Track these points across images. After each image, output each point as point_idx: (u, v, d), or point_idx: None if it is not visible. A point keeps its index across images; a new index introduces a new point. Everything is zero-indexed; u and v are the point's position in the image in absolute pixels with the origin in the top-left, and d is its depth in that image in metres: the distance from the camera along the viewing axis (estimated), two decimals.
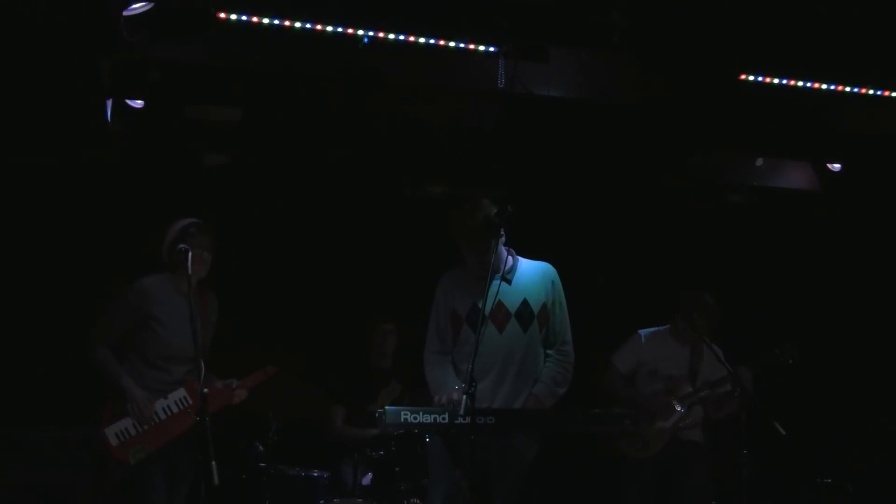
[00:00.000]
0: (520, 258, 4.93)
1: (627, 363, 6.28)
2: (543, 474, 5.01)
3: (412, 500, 6.03)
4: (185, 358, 5.22)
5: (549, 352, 4.91)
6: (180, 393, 5.24)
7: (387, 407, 4.45)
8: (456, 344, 4.85)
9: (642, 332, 6.36)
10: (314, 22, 5.59)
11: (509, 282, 4.78)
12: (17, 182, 6.69)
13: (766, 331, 7.55)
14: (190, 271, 4.98)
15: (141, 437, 5.12)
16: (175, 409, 5.20)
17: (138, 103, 6.44)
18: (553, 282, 4.92)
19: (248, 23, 5.52)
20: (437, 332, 4.89)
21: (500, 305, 4.76)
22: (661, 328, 6.38)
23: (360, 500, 6.26)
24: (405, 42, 5.76)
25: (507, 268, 4.84)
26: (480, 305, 4.63)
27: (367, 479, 6.45)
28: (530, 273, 4.88)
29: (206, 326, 5.35)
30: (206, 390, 4.56)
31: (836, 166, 7.73)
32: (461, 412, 4.26)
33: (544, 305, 4.86)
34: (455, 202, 4.97)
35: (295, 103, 6.66)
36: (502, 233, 4.78)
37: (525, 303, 4.82)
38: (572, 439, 6.23)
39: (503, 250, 4.83)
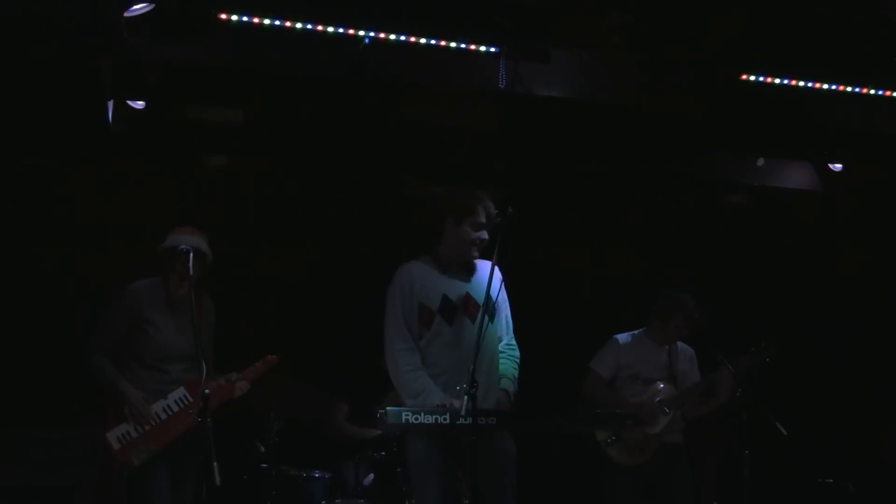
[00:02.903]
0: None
1: (608, 368, 6.17)
2: (541, 476, 5.00)
3: (413, 500, 6.02)
4: (181, 358, 5.23)
5: (499, 346, 4.92)
6: (180, 392, 5.24)
7: (388, 408, 4.43)
8: (423, 338, 4.80)
9: (619, 336, 6.27)
10: (315, 23, 5.60)
11: (472, 274, 4.81)
12: (17, 182, 6.69)
13: (767, 330, 7.56)
14: (191, 272, 4.99)
15: (143, 439, 5.13)
16: (175, 408, 5.21)
17: (139, 104, 6.44)
18: (501, 279, 4.88)
19: (249, 24, 5.53)
20: (405, 327, 4.79)
21: (468, 297, 4.77)
22: (637, 331, 6.29)
23: (361, 500, 6.26)
24: (406, 43, 5.76)
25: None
26: (450, 297, 4.71)
27: (368, 479, 6.45)
28: (484, 269, 4.88)
29: (203, 327, 5.34)
30: (207, 391, 4.57)
31: (837, 166, 7.73)
32: (463, 413, 4.25)
33: (497, 300, 4.87)
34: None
35: (296, 104, 6.66)
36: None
37: (487, 295, 4.82)
38: (566, 440, 6.25)
39: None
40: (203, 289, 5.45)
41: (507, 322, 4.98)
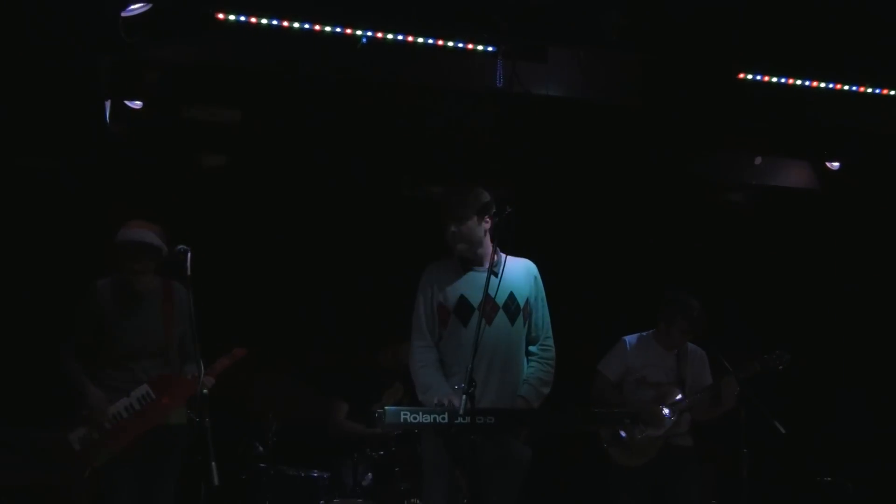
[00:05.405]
0: (502, 254, 4.87)
1: (616, 371, 6.15)
2: (539, 478, 4.99)
3: (412, 500, 6.03)
4: (148, 355, 5.14)
5: (531, 348, 4.91)
6: (142, 390, 5.12)
7: (386, 407, 4.44)
8: (442, 337, 4.83)
9: (627, 338, 6.25)
10: (312, 22, 5.60)
11: (496, 275, 4.71)
12: (15, 183, 6.69)
13: (766, 330, 7.57)
14: (189, 272, 4.94)
15: (104, 439, 5.03)
16: (138, 407, 5.09)
17: (137, 104, 6.43)
18: (535, 277, 4.93)
19: (247, 23, 5.52)
20: (425, 325, 4.84)
21: (487, 298, 4.73)
22: (645, 333, 6.26)
23: (359, 500, 6.26)
24: (404, 42, 5.76)
25: (492, 261, 4.80)
26: (468, 298, 4.70)
27: (366, 479, 6.45)
28: (515, 268, 4.87)
29: (177, 319, 5.21)
30: (205, 391, 4.54)
31: (835, 165, 7.74)
32: (461, 412, 4.26)
33: (528, 300, 4.87)
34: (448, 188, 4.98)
35: (293, 104, 6.66)
36: (487, 220, 4.79)
37: (512, 296, 4.82)
38: (569, 442, 6.24)
39: (488, 244, 4.84)
40: (172, 279, 5.27)
41: (542, 322, 4.93)
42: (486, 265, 4.73)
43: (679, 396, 6.06)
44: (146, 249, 5.11)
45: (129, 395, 5.11)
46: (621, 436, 5.95)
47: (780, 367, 6.00)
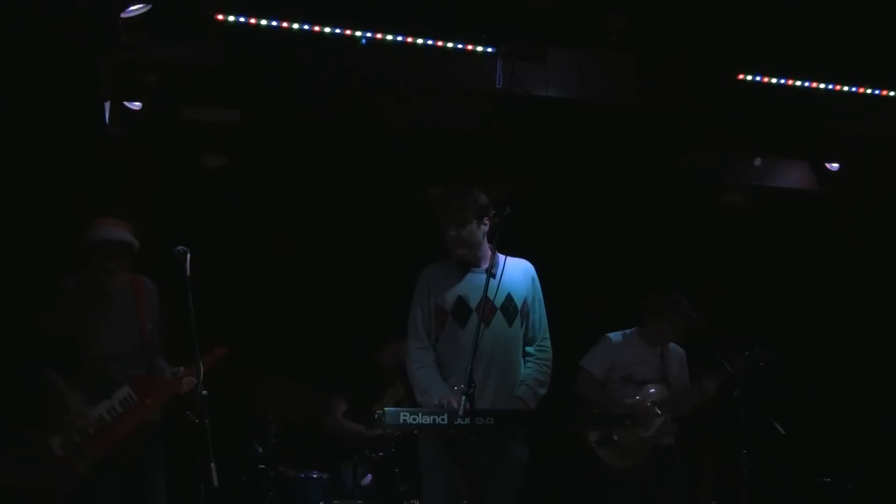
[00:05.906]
0: (500, 255, 4.86)
1: (601, 368, 6.11)
2: (531, 480, 4.99)
3: (411, 501, 6.03)
4: (124, 355, 5.02)
5: (528, 349, 4.90)
6: (124, 391, 4.98)
7: (386, 408, 4.44)
8: (439, 338, 4.82)
9: (611, 335, 6.20)
10: (312, 23, 5.61)
11: (493, 276, 4.69)
12: (13, 184, 6.69)
13: (764, 330, 7.56)
14: (188, 273, 4.91)
15: (87, 444, 4.89)
16: (120, 410, 4.95)
17: (136, 105, 6.43)
18: (533, 278, 4.93)
19: (246, 24, 5.53)
20: (422, 327, 4.83)
21: (486, 299, 4.71)
22: (629, 331, 6.23)
23: (359, 501, 6.27)
24: (403, 43, 5.77)
25: (490, 262, 4.80)
26: (466, 299, 4.70)
27: (366, 480, 6.45)
28: (512, 269, 4.86)
29: (147, 315, 5.12)
30: (205, 392, 4.53)
31: (834, 166, 7.74)
32: (460, 413, 4.26)
33: (525, 301, 4.87)
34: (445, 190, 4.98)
35: (293, 105, 6.66)
36: (486, 222, 4.79)
37: (509, 297, 4.82)
38: (559, 444, 6.22)
39: (486, 245, 4.84)
40: (140, 273, 5.19)
41: (539, 323, 4.93)
42: (484, 266, 4.73)
43: (665, 394, 6.06)
44: (121, 247, 5.00)
45: (111, 397, 4.96)
46: (613, 438, 5.93)
47: (762, 364, 5.99)
